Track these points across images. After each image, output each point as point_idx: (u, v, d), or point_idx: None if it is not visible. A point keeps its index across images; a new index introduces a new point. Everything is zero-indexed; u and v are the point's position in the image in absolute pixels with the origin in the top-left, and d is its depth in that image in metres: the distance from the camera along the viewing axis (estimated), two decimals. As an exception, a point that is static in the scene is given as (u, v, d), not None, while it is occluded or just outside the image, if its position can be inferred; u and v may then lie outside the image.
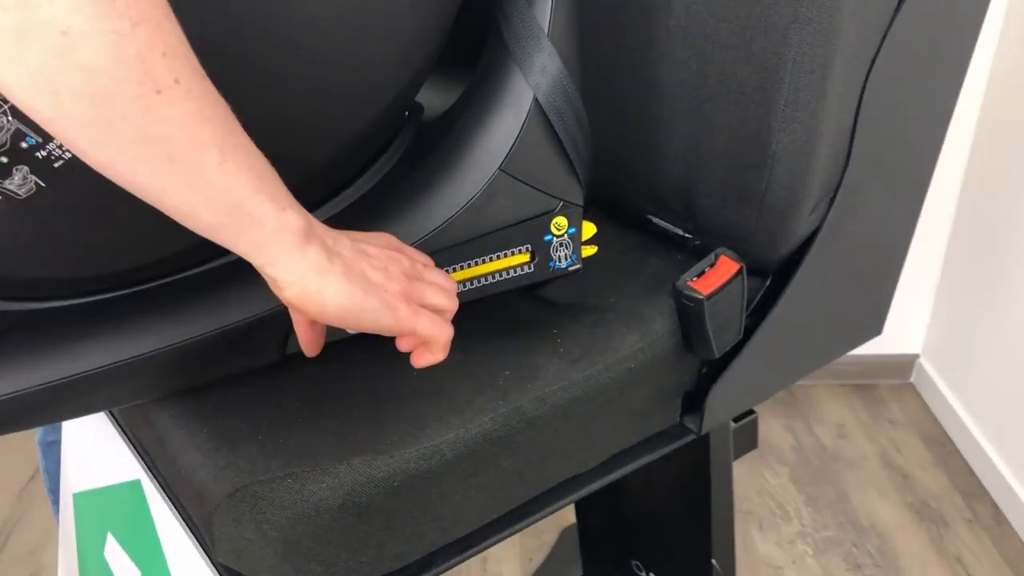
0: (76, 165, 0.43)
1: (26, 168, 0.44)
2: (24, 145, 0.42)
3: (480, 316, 0.68)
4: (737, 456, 1.00)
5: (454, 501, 0.58)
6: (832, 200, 0.70)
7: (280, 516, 0.53)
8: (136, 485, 0.67)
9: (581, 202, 0.62)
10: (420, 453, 0.54)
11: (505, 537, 0.65)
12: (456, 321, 0.53)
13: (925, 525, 1.50)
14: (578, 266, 0.64)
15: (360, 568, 0.56)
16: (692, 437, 0.71)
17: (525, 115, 0.58)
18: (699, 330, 0.65)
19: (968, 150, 1.60)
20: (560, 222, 0.62)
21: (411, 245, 0.57)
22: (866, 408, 1.78)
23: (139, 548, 0.67)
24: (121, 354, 0.52)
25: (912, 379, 1.84)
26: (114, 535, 0.70)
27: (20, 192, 0.44)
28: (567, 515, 1.46)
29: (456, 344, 0.53)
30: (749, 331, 0.71)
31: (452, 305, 0.53)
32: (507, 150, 0.58)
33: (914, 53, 0.67)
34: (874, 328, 0.83)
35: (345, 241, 0.49)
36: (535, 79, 0.58)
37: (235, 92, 0.40)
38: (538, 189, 0.60)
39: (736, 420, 1.03)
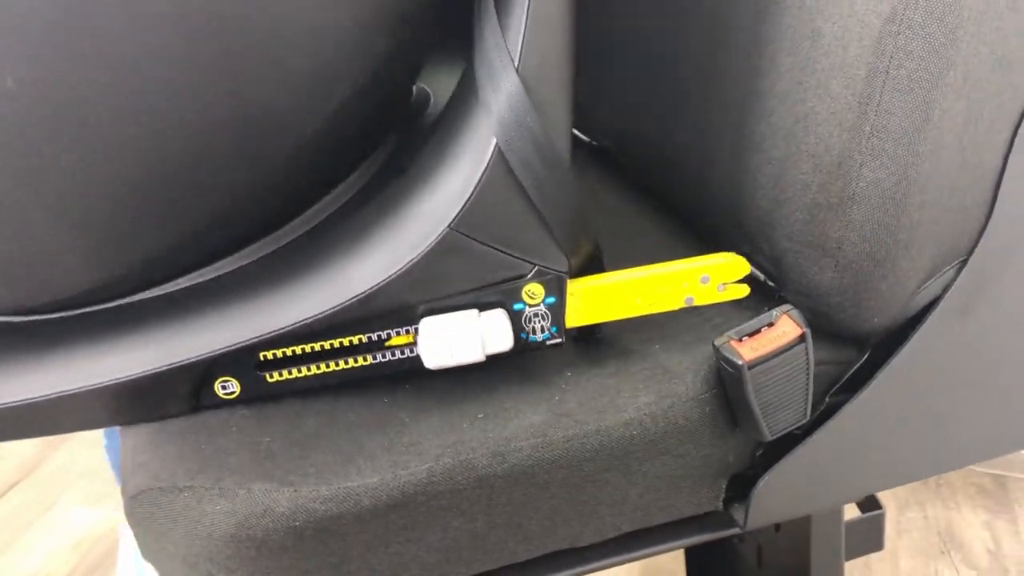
0: None
1: None
2: None
3: None
4: (852, 556, 0.82)
5: (386, 554, 0.49)
6: (963, 263, 0.53)
7: (173, 531, 0.47)
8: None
9: (565, 268, 0.50)
10: (331, 494, 0.46)
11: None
12: None
13: None
14: (559, 340, 0.52)
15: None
16: (736, 531, 0.57)
17: (486, 164, 0.46)
18: (741, 404, 0.51)
19: None
20: (534, 290, 0.50)
21: (330, 312, 0.48)
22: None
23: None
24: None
25: None
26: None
27: None
28: None
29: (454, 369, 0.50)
30: (828, 413, 0.56)
31: None
32: (461, 205, 0.47)
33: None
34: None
35: None
36: (502, 121, 0.46)
37: None
38: (503, 252, 0.49)
39: (861, 508, 0.86)
